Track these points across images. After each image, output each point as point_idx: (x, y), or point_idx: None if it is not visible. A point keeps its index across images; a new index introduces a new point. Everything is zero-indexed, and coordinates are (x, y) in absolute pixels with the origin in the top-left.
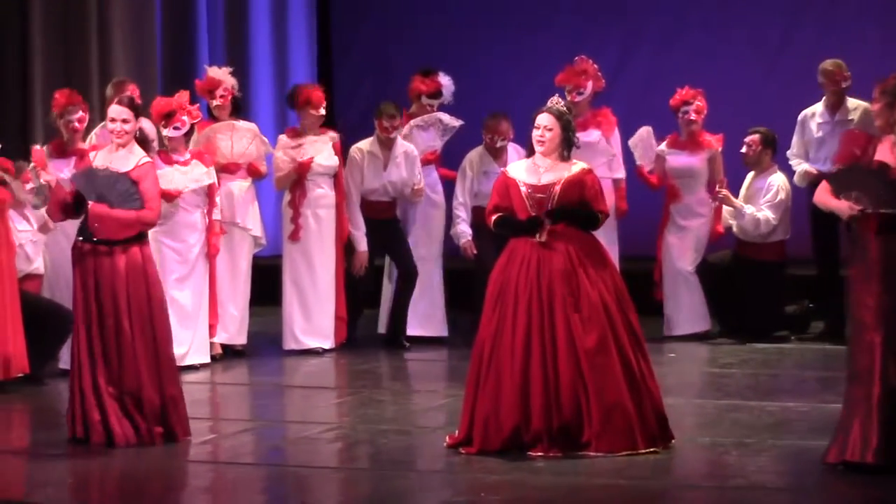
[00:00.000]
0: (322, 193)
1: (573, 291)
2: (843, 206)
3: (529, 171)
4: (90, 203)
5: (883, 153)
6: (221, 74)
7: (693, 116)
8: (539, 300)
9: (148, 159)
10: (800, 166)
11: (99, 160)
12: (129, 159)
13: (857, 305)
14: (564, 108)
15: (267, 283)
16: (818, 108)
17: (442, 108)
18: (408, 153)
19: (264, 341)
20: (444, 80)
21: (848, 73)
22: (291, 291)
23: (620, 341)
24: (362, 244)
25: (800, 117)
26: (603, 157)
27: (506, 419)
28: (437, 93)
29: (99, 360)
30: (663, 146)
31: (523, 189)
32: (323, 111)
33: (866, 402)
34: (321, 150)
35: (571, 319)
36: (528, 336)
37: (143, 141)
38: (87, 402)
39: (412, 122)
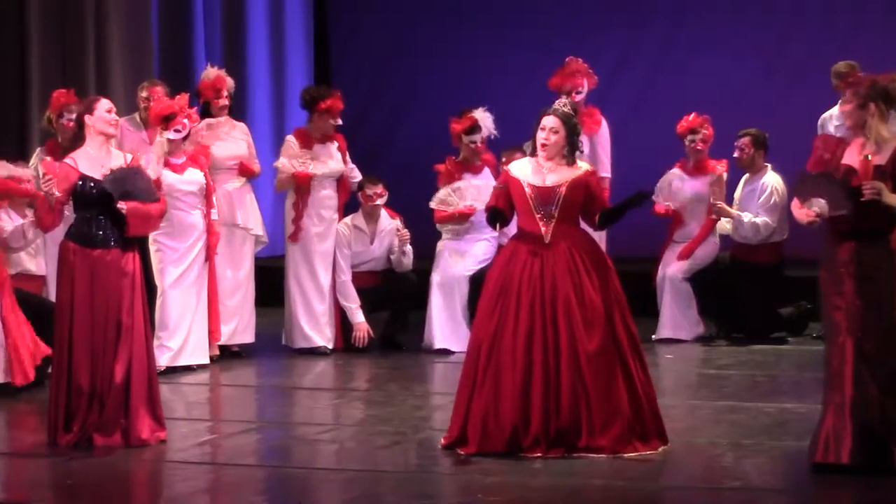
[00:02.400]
0: (328, 195)
1: (577, 293)
2: (800, 215)
3: (533, 171)
4: (123, 203)
5: (851, 155)
6: (224, 75)
7: (700, 147)
8: (542, 301)
9: (130, 154)
10: None
11: (85, 165)
12: (119, 157)
13: (828, 307)
14: (571, 112)
15: (266, 284)
16: (834, 110)
17: (488, 141)
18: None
19: (263, 342)
20: (480, 115)
21: (861, 73)
22: (295, 291)
23: (621, 346)
24: (358, 316)
25: (819, 121)
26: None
27: (506, 420)
28: (473, 128)
29: (90, 360)
30: (674, 170)
31: (527, 189)
32: (340, 120)
33: (839, 402)
34: (327, 160)
35: (574, 322)
36: (530, 337)
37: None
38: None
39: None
